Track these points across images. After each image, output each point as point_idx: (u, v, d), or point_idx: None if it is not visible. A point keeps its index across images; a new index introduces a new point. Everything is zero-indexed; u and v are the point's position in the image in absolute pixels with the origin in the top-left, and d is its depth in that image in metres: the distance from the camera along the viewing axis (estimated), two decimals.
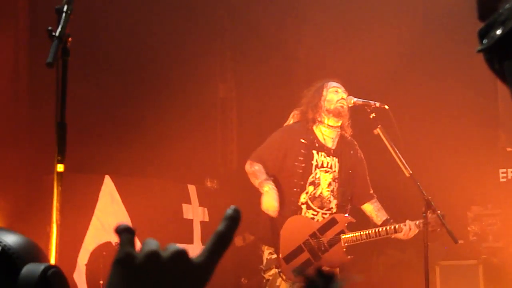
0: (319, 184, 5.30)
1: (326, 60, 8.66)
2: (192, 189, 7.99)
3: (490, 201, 7.55)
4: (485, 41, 1.05)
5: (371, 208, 5.53)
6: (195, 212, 7.95)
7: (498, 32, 1.03)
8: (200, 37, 8.81)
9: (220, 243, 1.13)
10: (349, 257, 5.23)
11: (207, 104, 8.99)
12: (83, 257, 6.71)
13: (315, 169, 5.31)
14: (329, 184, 5.33)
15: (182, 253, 1.10)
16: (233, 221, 1.14)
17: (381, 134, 5.14)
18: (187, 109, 8.16)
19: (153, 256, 1.09)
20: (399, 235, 5.18)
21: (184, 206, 7.83)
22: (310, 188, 5.27)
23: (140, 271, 1.08)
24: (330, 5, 8.68)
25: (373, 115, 5.20)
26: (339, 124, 5.39)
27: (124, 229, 1.13)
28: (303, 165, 5.28)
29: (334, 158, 5.39)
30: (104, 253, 6.48)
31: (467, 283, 7.03)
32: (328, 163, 5.37)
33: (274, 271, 5.14)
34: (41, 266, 1.64)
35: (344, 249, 5.20)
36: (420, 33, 8.47)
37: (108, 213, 7.05)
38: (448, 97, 8.26)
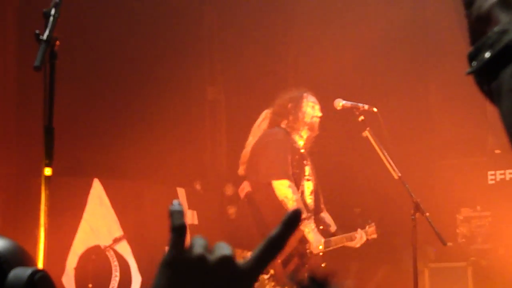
0: (303, 193, 5.37)
1: (314, 62, 8.67)
2: (181, 192, 7.97)
3: (479, 203, 7.57)
4: (474, 63, 1.08)
5: (328, 218, 5.67)
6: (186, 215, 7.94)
7: (487, 55, 1.05)
8: (189, 40, 8.80)
9: (270, 250, 1.08)
10: (323, 264, 5.30)
11: (196, 107, 8.98)
12: (71, 261, 6.69)
13: (303, 177, 5.39)
14: (311, 192, 5.44)
15: (229, 258, 1.07)
16: (289, 227, 1.08)
17: (369, 136, 5.15)
18: (175, 112, 8.15)
19: (201, 260, 1.06)
20: (351, 243, 5.54)
21: None
22: (305, 198, 5.36)
23: (187, 275, 1.06)
24: (319, 8, 8.69)
25: (362, 117, 5.22)
26: (307, 136, 5.49)
27: (178, 227, 1.10)
28: (298, 171, 5.35)
29: (310, 167, 5.51)
30: (93, 256, 6.48)
31: (456, 285, 7.04)
32: (309, 171, 5.46)
33: (261, 276, 5.12)
34: (28, 270, 1.64)
35: (321, 254, 5.31)
36: (408, 34, 8.50)
37: (97, 217, 7.03)
38: (436, 99, 8.29)
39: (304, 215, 5.11)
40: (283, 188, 5.15)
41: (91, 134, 7.38)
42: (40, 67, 2.53)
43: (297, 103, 5.49)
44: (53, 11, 2.60)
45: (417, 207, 4.92)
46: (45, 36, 2.53)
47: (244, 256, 5.07)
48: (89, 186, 7.07)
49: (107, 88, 7.71)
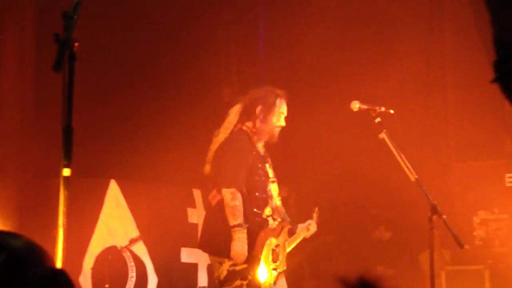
0: (272, 196, 5.34)
1: (331, 64, 8.66)
2: (197, 193, 7.99)
3: (496, 206, 7.53)
4: (500, 72, 1.08)
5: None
6: (200, 217, 7.95)
7: None
8: (205, 42, 8.82)
9: None
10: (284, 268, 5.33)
11: (212, 108, 8.99)
12: (88, 261, 6.73)
13: (268, 180, 5.36)
14: (278, 194, 5.42)
15: None
16: None
17: (386, 138, 5.13)
18: (192, 113, 8.16)
19: None
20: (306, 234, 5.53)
21: (189, 210, 7.83)
22: (273, 201, 5.33)
23: None
24: (336, 9, 8.68)
25: (378, 119, 5.20)
26: (266, 141, 5.45)
27: None
28: (263, 178, 5.31)
29: (272, 168, 5.47)
30: (109, 257, 6.51)
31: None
32: (272, 173, 5.42)
33: (238, 282, 5.09)
34: (48, 270, 1.65)
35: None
36: (425, 36, 8.47)
37: (114, 217, 7.07)
38: (454, 101, 8.26)
39: (235, 222, 5.04)
40: (226, 195, 5.11)
41: (108, 135, 7.42)
42: (59, 68, 2.54)
43: (268, 109, 5.39)
44: (72, 12, 2.61)
45: (434, 210, 4.89)
46: (64, 37, 2.54)
47: (221, 262, 5.06)
48: (106, 187, 7.11)
49: (124, 90, 7.75)
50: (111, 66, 7.64)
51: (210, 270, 5.29)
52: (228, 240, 5.02)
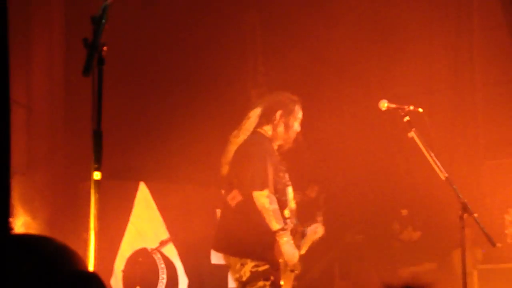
0: (288, 199, 5.36)
1: (358, 63, 8.63)
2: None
3: None
4: None
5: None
6: None
7: None
8: (232, 43, 8.83)
9: None
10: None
11: (239, 109, 8.99)
12: (119, 264, 6.76)
13: (287, 183, 5.38)
14: (294, 197, 5.43)
15: None
16: None
17: (415, 137, 5.10)
18: (219, 114, 8.18)
19: None
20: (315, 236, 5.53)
21: (218, 211, 7.84)
22: (290, 203, 5.35)
23: None
24: (362, 8, 8.65)
25: (407, 118, 5.16)
26: (281, 144, 5.46)
27: None
28: (283, 181, 5.33)
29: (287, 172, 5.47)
30: (140, 259, 6.54)
31: (506, 286, 6.94)
32: (287, 176, 5.43)
33: (262, 283, 5.10)
34: (81, 273, 1.66)
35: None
36: (453, 33, 8.40)
37: (144, 220, 7.10)
38: (483, 98, 8.19)
39: (279, 226, 5.08)
40: (261, 198, 5.10)
41: (137, 138, 7.46)
42: (88, 73, 2.57)
43: (288, 114, 5.42)
44: (101, 17, 2.63)
45: (465, 208, 4.86)
46: (93, 42, 2.57)
47: (243, 263, 5.05)
48: (135, 189, 7.14)
49: (153, 93, 7.79)
50: (139, 69, 7.68)
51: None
52: (253, 241, 5.05)
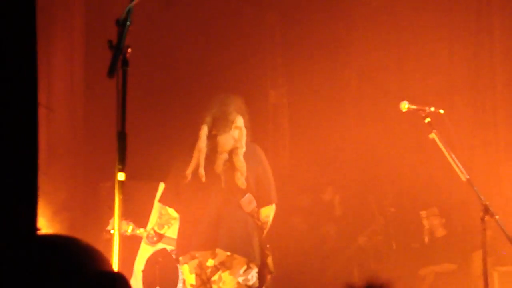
0: None
1: (377, 65, 8.62)
2: None
3: None
4: None
5: None
6: None
7: None
8: (251, 44, 8.84)
9: None
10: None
11: (258, 110, 9.01)
12: (139, 264, 6.78)
13: None
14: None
15: None
16: None
17: (436, 138, 5.08)
18: None
19: None
20: None
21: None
22: None
23: None
24: (382, 9, 8.63)
25: (428, 119, 5.15)
26: None
27: None
28: None
29: None
30: (160, 259, 6.54)
31: None
32: None
33: None
34: (107, 274, 1.68)
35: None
36: (473, 33, 8.37)
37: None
38: (503, 98, 8.15)
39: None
40: (272, 213, 5.21)
41: (157, 138, 7.48)
42: (113, 75, 2.58)
43: (247, 118, 5.39)
44: (125, 19, 2.65)
45: (486, 210, 4.83)
46: (117, 44, 2.58)
47: (250, 266, 5.05)
48: (155, 190, 7.15)
49: (174, 94, 7.81)
50: (160, 70, 7.71)
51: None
52: (260, 249, 5.08)
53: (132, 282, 6.74)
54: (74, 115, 7.34)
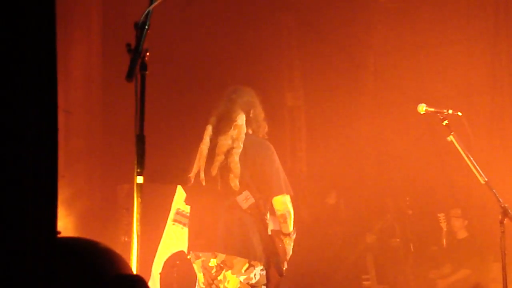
0: None
1: (394, 67, 8.60)
2: None
3: None
4: None
5: None
6: None
7: None
8: (268, 47, 8.85)
9: None
10: None
11: (275, 113, 9.01)
12: (157, 266, 6.80)
13: None
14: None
15: None
16: None
17: (454, 141, 5.06)
18: None
19: None
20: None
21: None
22: None
23: None
24: (399, 12, 8.61)
25: (446, 122, 5.13)
26: None
27: None
28: None
29: None
30: (177, 262, 6.56)
31: None
32: None
33: (263, 286, 5.08)
34: (127, 276, 1.69)
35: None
36: (492, 35, 8.33)
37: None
38: None
39: (292, 229, 5.10)
40: (288, 203, 5.07)
41: (174, 141, 7.50)
42: (131, 78, 2.59)
43: (260, 110, 5.35)
44: (144, 23, 2.66)
45: (505, 213, 4.80)
46: (136, 48, 2.59)
47: (252, 265, 5.02)
48: (172, 193, 7.17)
49: (191, 96, 7.83)
50: (178, 73, 7.73)
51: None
52: (263, 244, 5.02)
53: (150, 284, 6.76)
54: (92, 118, 7.38)
